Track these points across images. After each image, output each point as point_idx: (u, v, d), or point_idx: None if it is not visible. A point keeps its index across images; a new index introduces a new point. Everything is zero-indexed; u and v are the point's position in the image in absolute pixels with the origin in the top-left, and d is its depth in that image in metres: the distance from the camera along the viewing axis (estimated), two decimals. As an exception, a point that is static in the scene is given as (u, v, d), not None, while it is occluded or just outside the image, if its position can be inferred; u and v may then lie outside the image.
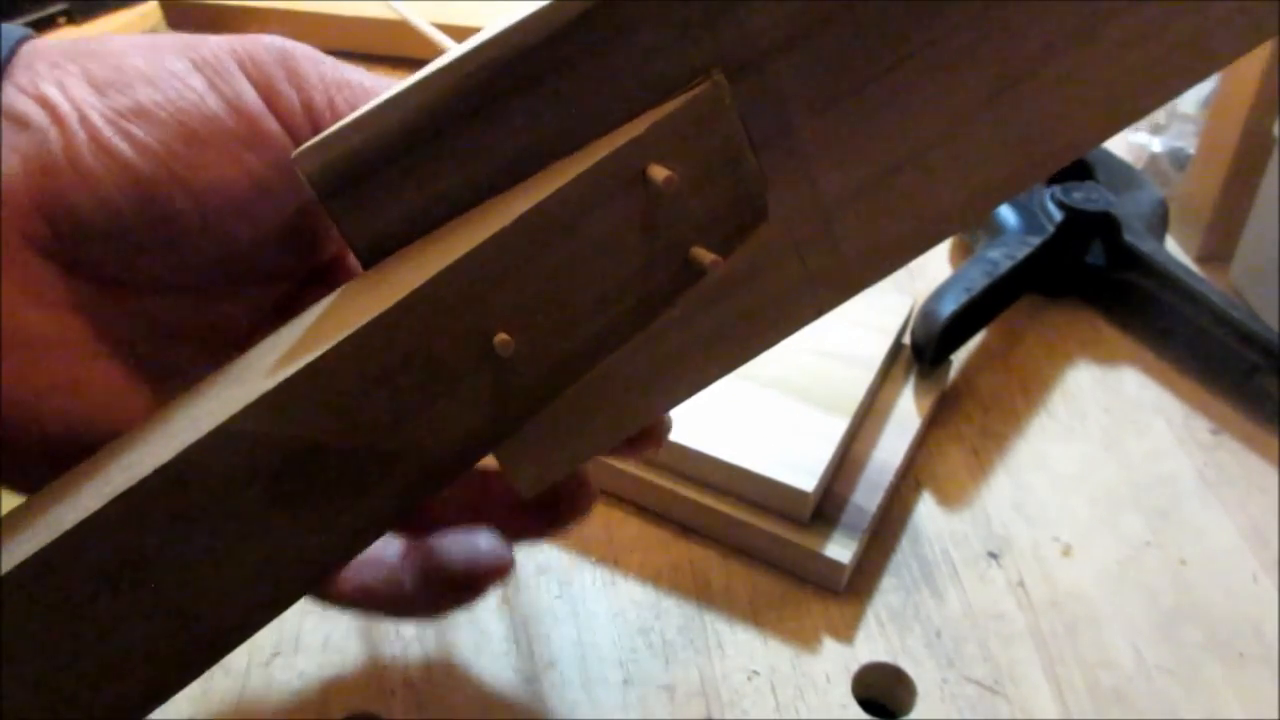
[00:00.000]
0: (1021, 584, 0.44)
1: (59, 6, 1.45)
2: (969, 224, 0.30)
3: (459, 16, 0.74)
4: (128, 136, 0.27)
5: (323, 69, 0.30)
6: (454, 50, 0.26)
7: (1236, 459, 0.49)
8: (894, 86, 0.27)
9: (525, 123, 0.26)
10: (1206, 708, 0.40)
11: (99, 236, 0.28)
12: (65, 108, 0.27)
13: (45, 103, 0.27)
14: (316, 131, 0.28)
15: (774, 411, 0.46)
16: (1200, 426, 0.51)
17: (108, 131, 0.27)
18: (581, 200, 0.25)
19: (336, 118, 0.28)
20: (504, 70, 0.25)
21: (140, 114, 0.28)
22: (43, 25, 1.44)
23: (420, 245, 0.27)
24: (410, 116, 0.25)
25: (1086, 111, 0.29)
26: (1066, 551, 0.45)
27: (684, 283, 0.28)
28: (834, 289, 0.30)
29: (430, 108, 0.25)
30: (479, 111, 0.25)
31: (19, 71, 0.28)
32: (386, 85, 0.30)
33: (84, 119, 0.27)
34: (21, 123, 0.27)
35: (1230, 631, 0.42)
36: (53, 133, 0.27)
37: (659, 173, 0.25)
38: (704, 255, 0.27)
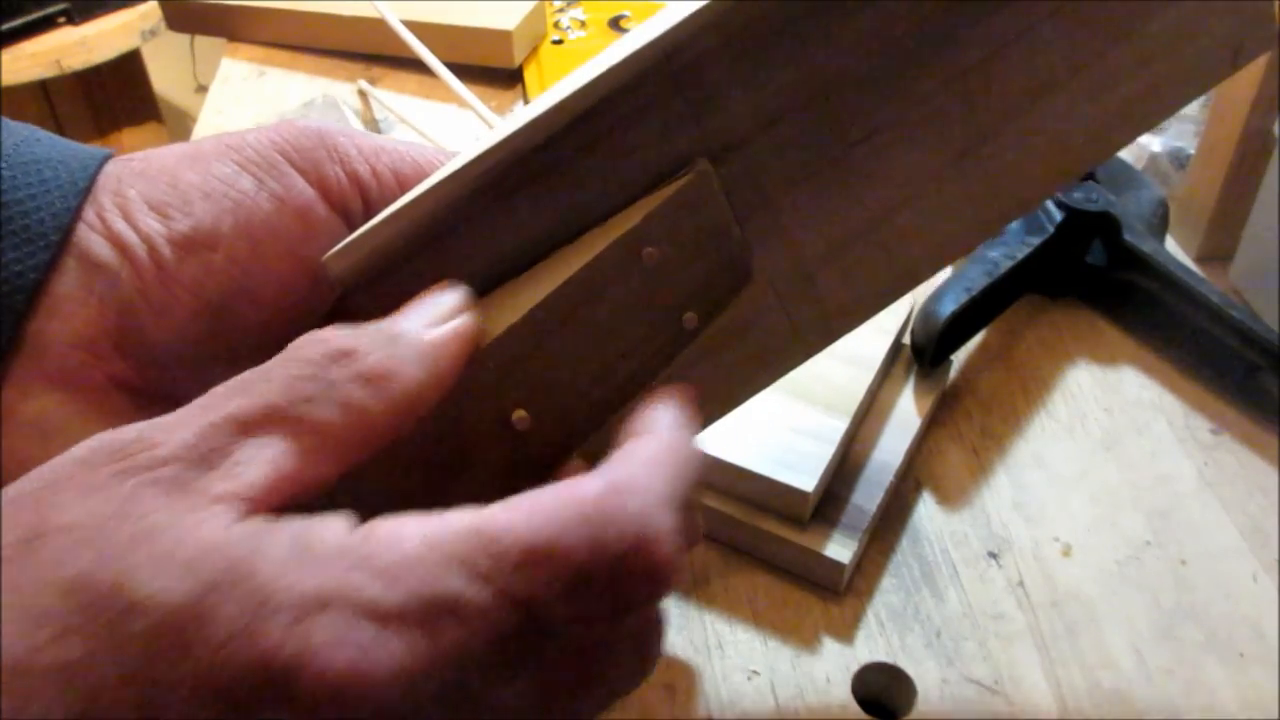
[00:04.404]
0: (1021, 584, 0.44)
1: (59, 6, 1.45)
2: (941, 269, 0.34)
3: (452, 16, 0.74)
4: (195, 259, 0.28)
5: (359, 141, 0.31)
6: (460, 156, 0.28)
7: (1236, 459, 0.49)
8: (863, 158, 0.30)
9: (529, 216, 0.28)
10: (1206, 708, 0.40)
11: (173, 362, 0.29)
12: (133, 240, 0.28)
13: (115, 239, 0.28)
14: (365, 201, 0.30)
15: (774, 411, 0.46)
16: (1200, 426, 0.51)
17: (174, 258, 0.28)
18: (585, 289, 0.28)
19: (381, 183, 0.31)
20: (506, 172, 0.27)
21: (203, 233, 0.28)
22: (43, 25, 1.44)
23: None
24: (423, 218, 0.28)
25: (1045, 164, 0.32)
26: (1066, 551, 0.45)
27: (679, 345, 0.30)
28: (818, 336, 0.33)
29: (441, 210, 0.28)
30: (486, 210, 0.28)
31: (86, 206, 0.28)
32: (418, 146, 0.32)
33: (152, 250, 0.28)
34: (95, 264, 0.28)
35: (1230, 631, 0.42)
36: (125, 271, 0.28)
37: (651, 254, 0.28)
38: (694, 321, 0.30)
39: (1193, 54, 0.32)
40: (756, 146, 0.29)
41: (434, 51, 0.69)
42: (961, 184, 0.31)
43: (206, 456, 0.21)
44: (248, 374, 0.23)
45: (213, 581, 0.19)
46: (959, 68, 0.30)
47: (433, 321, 0.26)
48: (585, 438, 0.30)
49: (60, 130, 1.55)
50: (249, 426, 0.22)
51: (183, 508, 0.21)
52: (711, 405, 0.33)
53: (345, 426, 0.23)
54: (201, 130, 0.72)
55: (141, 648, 0.19)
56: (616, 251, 0.28)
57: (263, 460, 0.22)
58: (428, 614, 0.20)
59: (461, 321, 0.26)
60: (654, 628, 0.25)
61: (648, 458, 0.24)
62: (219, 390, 0.23)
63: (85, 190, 0.28)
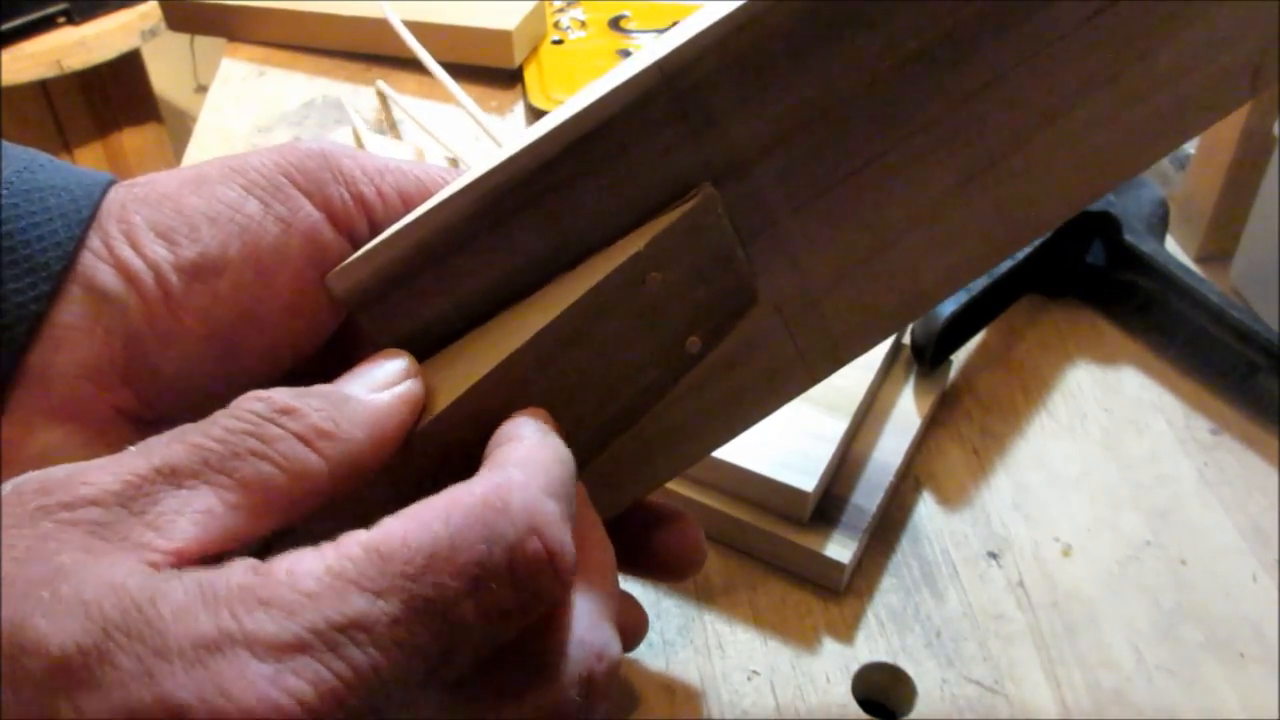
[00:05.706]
0: (1021, 584, 0.44)
1: (59, 6, 1.45)
2: (951, 294, 0.34)
3: (452, 16, 0.74)
4: (202, 286, 0.28)
5: (363, 161, 0.31)
6: (464, 175, 0.28)
7: (1236, 459, 0.49)
8: (868, 181, 0.30)
9: (532, 237, 0.28)
10: (1206, 708, 0.40)
11: (180, 391, 0.28)
12: (140, 268, 0.28)
13: (122, 268, 0.28)
14: (371, 222, 0.30)
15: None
16: (1200, 426, 0.51)
17: (182, 286, 0.28)
18: (590, 313, 0.27)
19: (386, 204, 0.30)
20: (509, 193, 0.27)
21: (210, 259, 0.28)
22: (43, 25, 1.44)
23: (445, 356, 0.29)
24: (426, 238, 0.28)
25: (1055, 190, 0.31)
26: (1066, 551, 0.45)
27: (683, 369, 0.30)
28: (825, 362, 0.33)
29: (444, 230, 0.28)
30: (489, 230, 0.28)
31: (91, 233, 0.28)
32: (423, 165, 0.32)
33: (160, 277, 0.28)
34: (102, 294, 0.27)
35: (1230, 631, 0.42)
36: (132, 301, 0.27)
37: (655, 279, 0.28)
38: (698, 344, 0.30)
39: (1208, 78, 0.31)
40: (760, 169, 0.29)
41: (434, 51, 0.69)
42: (970, 208, 0.31)
43: (132, 502, 0.21)
44: (187, 425, 0.23)
45: (110, 624, 0.19)
46: (966, 90, 0.29)
47: (378, 386, 0.26)
48: (588, 461, 0.30)
49: (60, 130, 1.55)
50: (180, 476, 0.22)
51: (98, 550, 0.20)
52: (717, 429, 0.32)
53: (280, 483, 0.23)
54: (201, 130, 0.72)
55: (35, 688, 0.19)
56: (622, 276, 0.28)
57: (190, 511, 0.22)
58: (332, 640, 0.20)
59: (406, 387, 0.26)
60: (591, 646, 0.25)
61: (519, 459, 0.24)
62: (155, 439, 0.23)
63: (89, 219, 0.28)
